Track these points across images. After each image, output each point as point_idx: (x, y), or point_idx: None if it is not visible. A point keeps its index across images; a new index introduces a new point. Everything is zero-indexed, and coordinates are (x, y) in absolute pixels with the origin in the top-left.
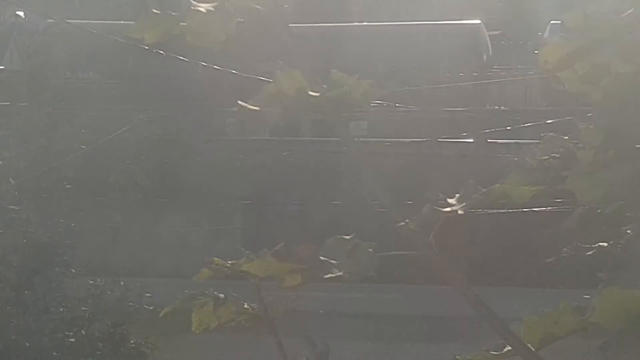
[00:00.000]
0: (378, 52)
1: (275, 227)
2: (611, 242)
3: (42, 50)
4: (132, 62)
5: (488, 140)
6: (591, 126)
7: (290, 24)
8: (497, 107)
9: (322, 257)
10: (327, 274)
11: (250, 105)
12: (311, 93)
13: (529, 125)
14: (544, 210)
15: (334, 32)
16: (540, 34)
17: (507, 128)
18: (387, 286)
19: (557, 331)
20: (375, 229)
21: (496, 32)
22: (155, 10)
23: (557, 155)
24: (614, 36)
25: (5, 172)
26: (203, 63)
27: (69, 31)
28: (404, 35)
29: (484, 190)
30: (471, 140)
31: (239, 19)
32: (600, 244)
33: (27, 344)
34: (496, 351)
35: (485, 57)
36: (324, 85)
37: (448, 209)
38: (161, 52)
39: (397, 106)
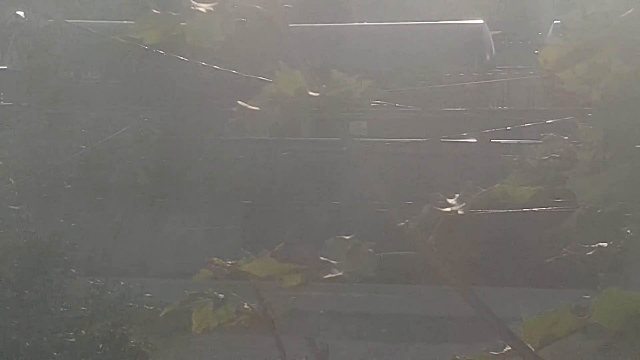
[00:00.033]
0: (380, 52)
1: (275, 227)
2: (611, 243)
3: (42, 50)
4: (132, 62)
5: (491, 140)
6: (591, 126)
7: (290, 24)
8: (499, 107)
9: (322, 257)
10: (327, 274)
11: (250, 105)
12: (311, 93)
13: (530, 125)
14: (544, 210)
15: (335, 32)
16: (540, 33)
17: (507, 128)
18: (387, 286)
19: (557, 331)
20: (375, 229)
21: (497, 32)
22: (155, 11)
23: (557, 155)
24: (614, 36)
25: (5, 172)
26: (203, 63)
27: (68, 31)
28: (406, 35)
29: (484, 190)
30: (474, 140)
31: (239, 19)
32: (600, 244)
33: (27, 344)
34: (496, 351)
35: (488, 57)
36: (324, 85)
37: (448, 209)
38: (161, 52)
39: (397, 106)
